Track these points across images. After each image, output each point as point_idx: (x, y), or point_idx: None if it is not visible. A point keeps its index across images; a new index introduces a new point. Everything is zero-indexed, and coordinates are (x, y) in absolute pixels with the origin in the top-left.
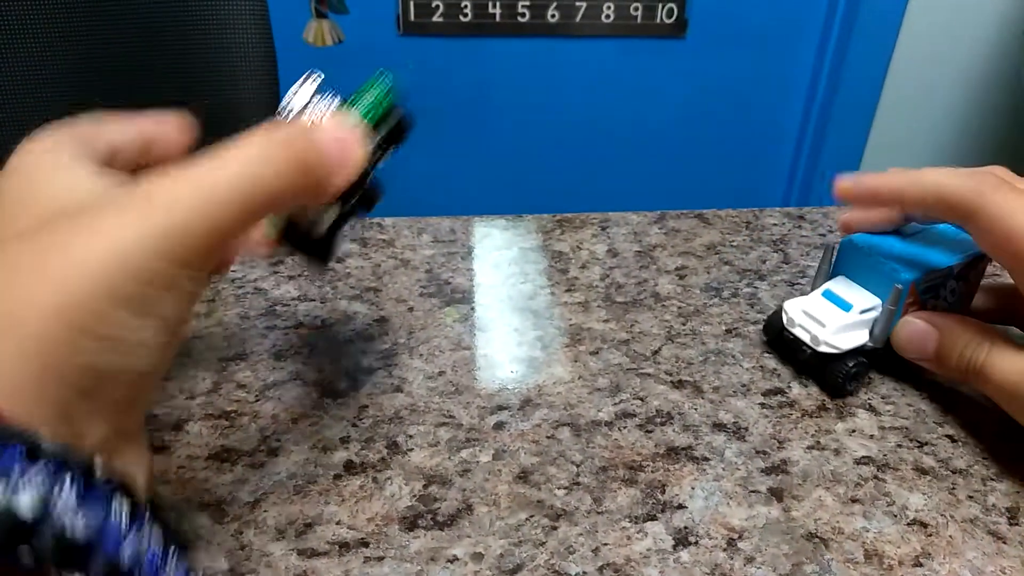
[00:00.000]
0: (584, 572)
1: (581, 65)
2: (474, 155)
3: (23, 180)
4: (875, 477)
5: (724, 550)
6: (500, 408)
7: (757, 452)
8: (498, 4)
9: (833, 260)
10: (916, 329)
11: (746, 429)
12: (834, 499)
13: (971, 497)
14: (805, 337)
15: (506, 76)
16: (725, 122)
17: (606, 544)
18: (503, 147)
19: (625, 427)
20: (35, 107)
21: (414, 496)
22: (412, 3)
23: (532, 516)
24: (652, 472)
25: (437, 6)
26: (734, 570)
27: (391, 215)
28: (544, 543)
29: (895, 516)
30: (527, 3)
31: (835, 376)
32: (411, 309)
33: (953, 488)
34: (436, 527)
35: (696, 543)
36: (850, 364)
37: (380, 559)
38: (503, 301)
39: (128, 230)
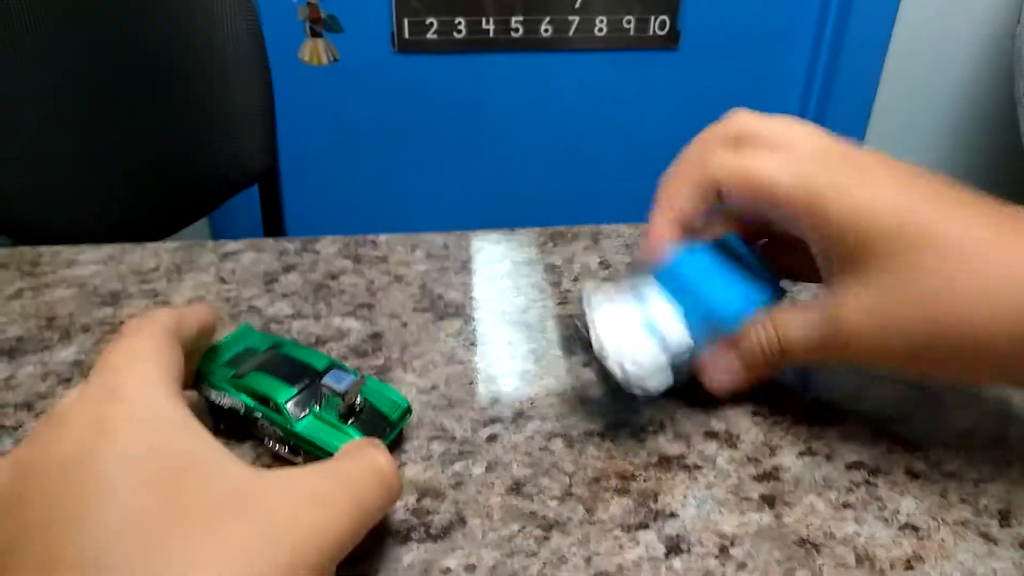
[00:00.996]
0: None
1: (575, 79)
2: (469, 170)
3: (155, 430)
4: (866, 482)
5: (716, 557)
6: (493, 420)
7: (749, 459)
8: (492, 20)
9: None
10: (716, 362)
11: (738, 437)
12: (826, 504)
13: (963, 500)
14: (615, 370)
15: (501, 91)
16: None
17: (598, 553)
18: (498, 162)
19: (617, 437)
20: (21, 120)
21: (407, 510)
22: (406, 21)
23: (525, 527)
24: (644, 481)
25: (431, 23)
26: None
27: (386, 232)
28: (537, 553)
29: (887, 520)
30: (520, 19)
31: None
32: (405, 324)
33: (944, 491)
34: (429, 540)
35: (688, 551)
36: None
37: (375, 572)
38: (496, 315)
39: (342, 524)
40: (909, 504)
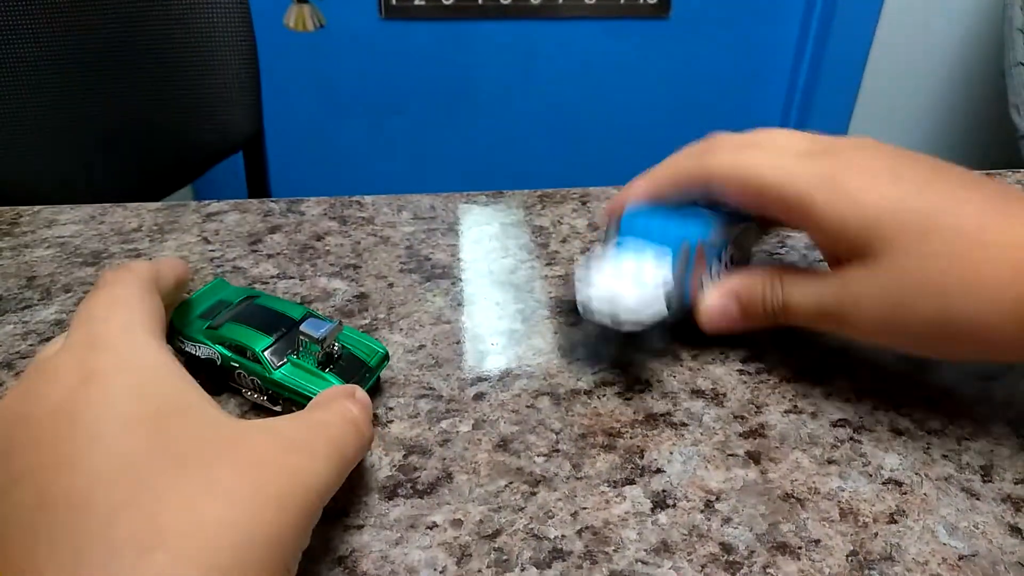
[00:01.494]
0: (563, 536)
1: (564, 47)
2: (456, 138)
3: (139, 373)
4: (851, 439)
5: (701, 512)
6: (480, 379)
7: (735, 417)
8: None
9: (617, 231)
10: (715, 304)
11: (724, 395)
12: (810, 460)
13: (945, 456)
14: (604, 310)
15: (489, 59)
16: (708, 102)
17: (585, 508)
18: (487, 130)
19: (604, 395)
20: (4, 85)
21: (394, 466)
22: None
23: (511, 483)
24: (631, 438)
25: None
26: (711, 531)
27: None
28: (523, 508)
29: (870, 476)
30: None
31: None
32: (391, 285)
33: (928, 448)
34: (416, 495)
35: (674, 505)
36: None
37: (360, 527)
38: (484, 276)
39: (322, 469)
40: (893, 460)
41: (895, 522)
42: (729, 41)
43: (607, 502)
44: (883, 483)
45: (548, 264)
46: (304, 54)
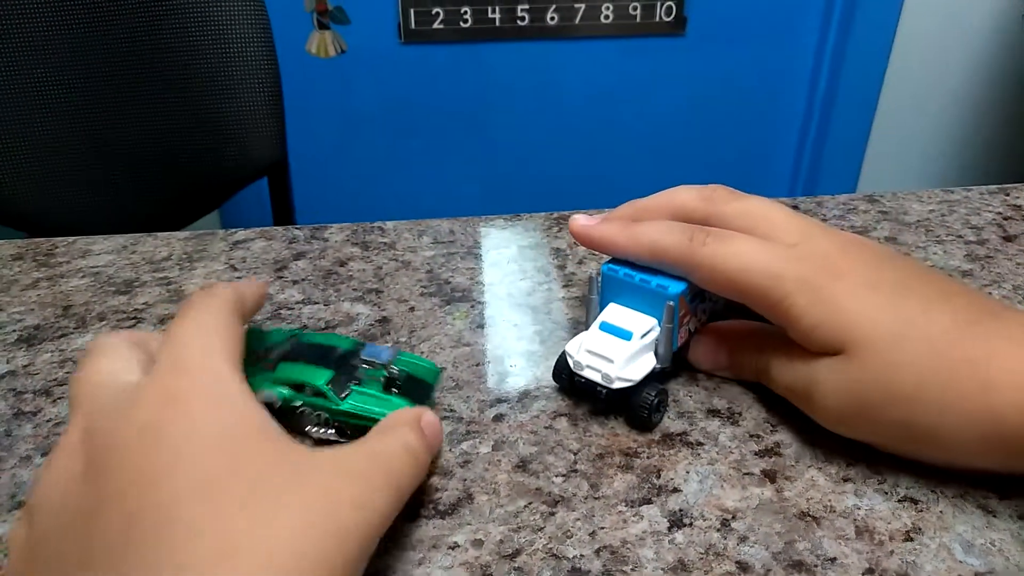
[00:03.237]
0: (582, 555)
1: (582, 66)
2: (477, 159)
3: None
4: (866, 456)
5: (718, 530)
6: (499, 401)
7: (751, 436)
8: (497, 9)
9: (599, 290)
10: (709, 348)
11: (740, 414)
12: (826, 479)
13: (961, 473)
14: (596, 377)
15: (508, 80)
16: (727, 119)
17: (603, 528)
18: (505, 150)
19: (621, 416)
20: (35, 116)
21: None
22: (413, 11)
23: (531, 503)
24: (648, 458)
25: (437, 13)
26: (728, 549)
27: (395, 219)
28: (543, 528)
29: (886, 493)
30: (526, 7)
31: (640, 411)
32: (412, 309)
33: None
34: (437, 516)
35: (691, 524)
36: (651, 395)
37: (383, 548)
38: (502, 298)
39: (379, 502)
40: (908, 477)
41: (911, 540)
42: (746, 57)
43: (624, 521)
44: (899, 500)
45: (565, 286)
46: (326, 80)
